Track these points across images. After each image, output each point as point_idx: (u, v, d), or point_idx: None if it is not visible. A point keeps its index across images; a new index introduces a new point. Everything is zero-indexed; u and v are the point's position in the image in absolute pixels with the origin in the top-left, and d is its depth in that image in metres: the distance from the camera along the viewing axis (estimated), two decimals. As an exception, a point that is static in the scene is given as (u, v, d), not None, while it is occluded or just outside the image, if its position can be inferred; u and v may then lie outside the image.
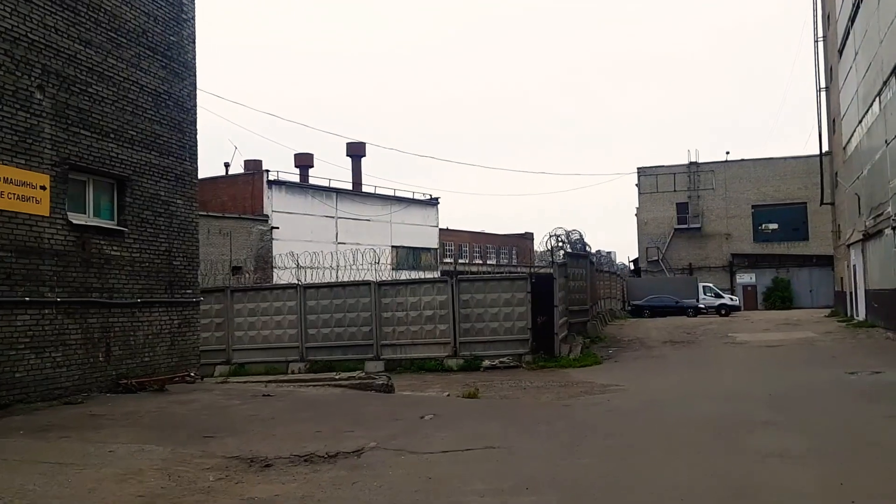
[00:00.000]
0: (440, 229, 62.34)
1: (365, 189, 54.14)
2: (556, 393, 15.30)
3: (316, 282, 23.31)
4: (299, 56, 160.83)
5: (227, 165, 48.63)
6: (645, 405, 12.02)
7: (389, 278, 22.31)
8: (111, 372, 12.11)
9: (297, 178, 49.50)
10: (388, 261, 46.17)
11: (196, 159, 14.79)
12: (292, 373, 21.58)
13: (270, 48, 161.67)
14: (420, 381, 18.90)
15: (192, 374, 13.70)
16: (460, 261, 68.83)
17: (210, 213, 41.07)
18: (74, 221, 11.53)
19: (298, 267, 28.20)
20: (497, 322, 21.30)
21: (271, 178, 45.07)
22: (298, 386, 12.90)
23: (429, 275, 43.61)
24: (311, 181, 51.05)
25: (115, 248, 12.40)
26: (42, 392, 10.64)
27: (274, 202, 44.38)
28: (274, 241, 42.98)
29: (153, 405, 10.68)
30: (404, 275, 42.20)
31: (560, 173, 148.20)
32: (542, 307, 21.06)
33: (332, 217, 47.38)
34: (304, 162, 57.24)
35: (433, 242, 56.60)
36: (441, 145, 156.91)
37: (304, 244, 39.45)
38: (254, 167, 50.03)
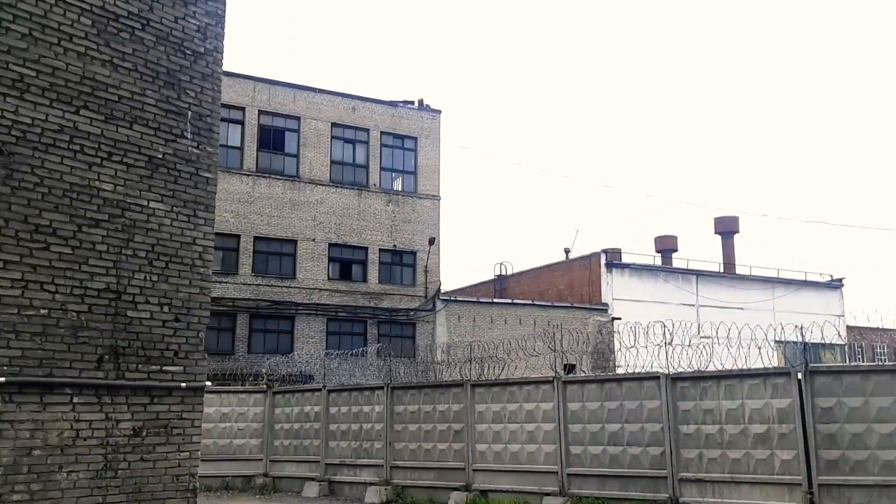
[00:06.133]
0: (854, 328, 47.79)
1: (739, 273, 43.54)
2: None
3: (580, 376, 15.61)
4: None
5: (566, 251, 42.56)
6: None
7: (691, 370, 13.61)
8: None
9: (648, 262, 41.31)
10: (774, 359, 35.16)
11: (216, 143, 8.64)
12: (547, 513, 14.04)
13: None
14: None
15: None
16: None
17: (535, 303, 35.47)
18: None
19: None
20: (897, 452, 11.24)
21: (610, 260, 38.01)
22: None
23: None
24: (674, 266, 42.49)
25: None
26: None
27: (614, 289, 37.08)
28: (615, 335, 35.38)
29: None
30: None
31: None
32: None
33: (692, 305, 38.12)
34: (666, 246, 48.82)
35: (837, 338, 42.91)
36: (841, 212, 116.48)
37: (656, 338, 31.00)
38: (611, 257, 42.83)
